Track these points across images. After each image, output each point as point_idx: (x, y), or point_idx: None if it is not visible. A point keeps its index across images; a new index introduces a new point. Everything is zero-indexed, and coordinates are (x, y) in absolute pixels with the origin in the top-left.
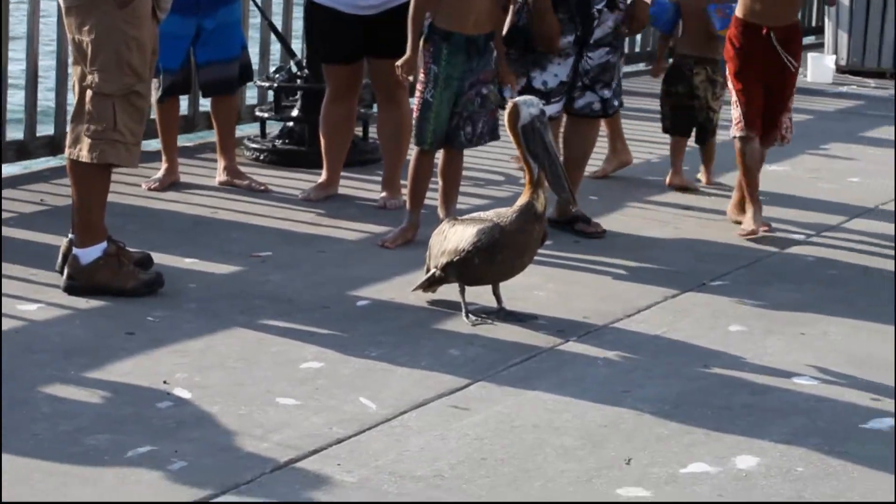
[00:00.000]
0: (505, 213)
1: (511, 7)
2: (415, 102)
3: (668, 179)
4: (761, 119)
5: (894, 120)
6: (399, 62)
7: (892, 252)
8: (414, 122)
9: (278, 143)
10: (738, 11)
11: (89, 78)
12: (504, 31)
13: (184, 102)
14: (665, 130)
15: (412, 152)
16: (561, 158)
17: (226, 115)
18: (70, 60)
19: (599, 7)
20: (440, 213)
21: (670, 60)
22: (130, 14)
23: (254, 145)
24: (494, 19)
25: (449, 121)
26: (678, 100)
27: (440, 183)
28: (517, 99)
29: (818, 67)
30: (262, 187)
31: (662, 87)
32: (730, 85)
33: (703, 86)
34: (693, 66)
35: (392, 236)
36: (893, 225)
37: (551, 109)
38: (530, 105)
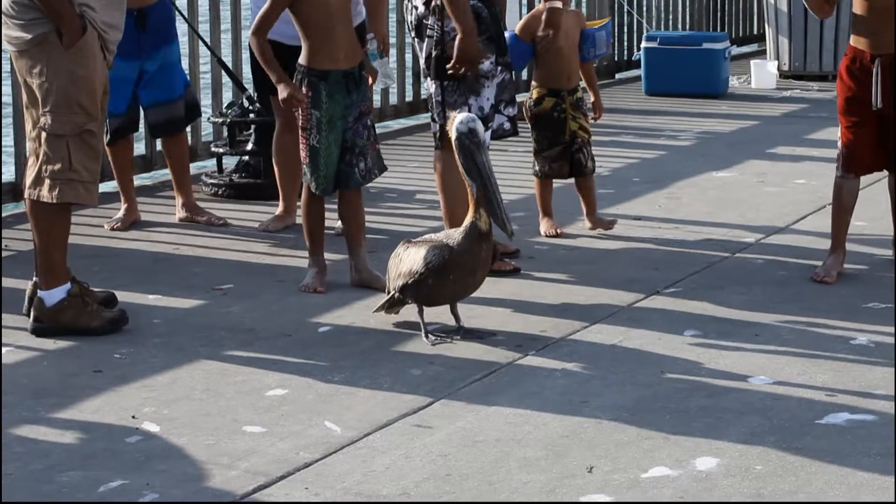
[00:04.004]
0: (453, 234)
1: (426, 39)
2: (301, 148)
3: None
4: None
5: None
6: (283, 97)
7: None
8: (304, 167)
9: (235, 177)
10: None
11: (42, 120)
12: (430, 69)
13: (141, 143)
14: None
15: (303, 196)
16: None
17: (178, 154)
18: (24, 104)
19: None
20: (350, 258)
21: None
22: (78, 54)
23: (211, 181)
24: (359, 48)
25: (340, 160)
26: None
27: (345, 227)
28: (457, 114)
29: (761, 74)
30: (221, 221)
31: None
32: None
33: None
34: None
35: (307, 284)
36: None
37: (490, 135)
38: (461, 122)
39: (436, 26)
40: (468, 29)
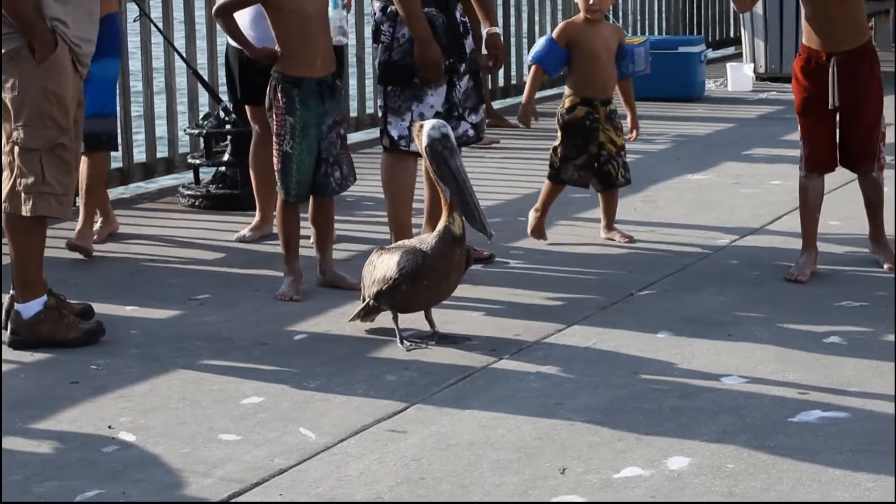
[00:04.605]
0: (426, 239)
1: (380, 45)
2: (274, 154)
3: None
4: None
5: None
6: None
7: None
8: (276, 174)
9: (212, 188)
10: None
11: (15, 134)
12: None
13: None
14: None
15: (278, 204)
16: None
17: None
18: None
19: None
20: (316, 260)
21: None
22: (50, 69)
23: (188, 192)
24: (334, 58)
25: (316, 169)
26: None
27: (313, 231)
28: (425, 122)
29: (737, 76)
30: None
31: None
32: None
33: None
34: None
35: (283, 293)
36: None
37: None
38: (433, 127)
39: (388, 32)
40: (422, 36)
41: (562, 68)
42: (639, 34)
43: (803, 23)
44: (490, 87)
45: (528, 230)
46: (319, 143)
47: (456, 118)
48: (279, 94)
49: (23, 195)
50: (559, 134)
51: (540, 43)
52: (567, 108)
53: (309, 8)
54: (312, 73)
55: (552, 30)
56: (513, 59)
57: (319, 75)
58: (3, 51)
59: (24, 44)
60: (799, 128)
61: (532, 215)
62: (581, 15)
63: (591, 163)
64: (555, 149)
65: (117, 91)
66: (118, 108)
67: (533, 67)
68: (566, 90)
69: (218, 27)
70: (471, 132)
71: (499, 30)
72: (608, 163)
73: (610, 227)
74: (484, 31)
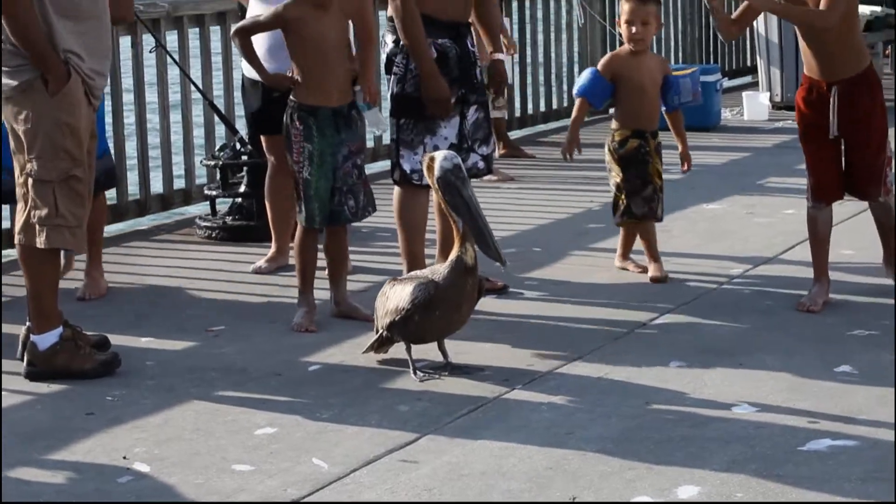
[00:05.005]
0: (438, 270)
1: (392, 76)
2: (295, 182)
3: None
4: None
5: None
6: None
7: None
8: (298, 202)
9: (228, 219)
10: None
11: (28, 166)
12: (391, 104)
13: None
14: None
15: (297, 232)
16: None
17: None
18: (11, 150)
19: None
20: (331, 291)
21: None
22: (63, 101)
23: (205, 224)
24: (350, 88)
25: (330, 199)
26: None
27: (328, 261)
28: (435, 153)
29: (753, 105)
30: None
31: None
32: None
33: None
34: None
35: (298, 324)
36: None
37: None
38: (444, 159)
39: (401, 64)
40: (427, 70)
41: (607, 101)
42: (688, 63)
43: (803, 52)
44: (507, 117)
45: (652, 281)
46: (335, 172)
47: (465, 150)
48: (296, 122)
49: (37, 227)
50: (615, 170)
51: (584, 76)
52: (619, 141)
53: (329, 36)
54: (329, 103)
55: (567, 59)
56: (528, 89)
57: (336, 105)
58: (16, 83)
59: (38, 76)
60: (805, 157)
61: (651, 269)
62: (625, 46)
63: (656, 192)
64: (617, 186)
65: (107, 127)
66: (110, 147)
67: (578, 101)
68: (613, 124)
69: (234, 56)
70: (481, 164)
71: (503, 56)
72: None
73: (626, 256)
74: (488, 58)
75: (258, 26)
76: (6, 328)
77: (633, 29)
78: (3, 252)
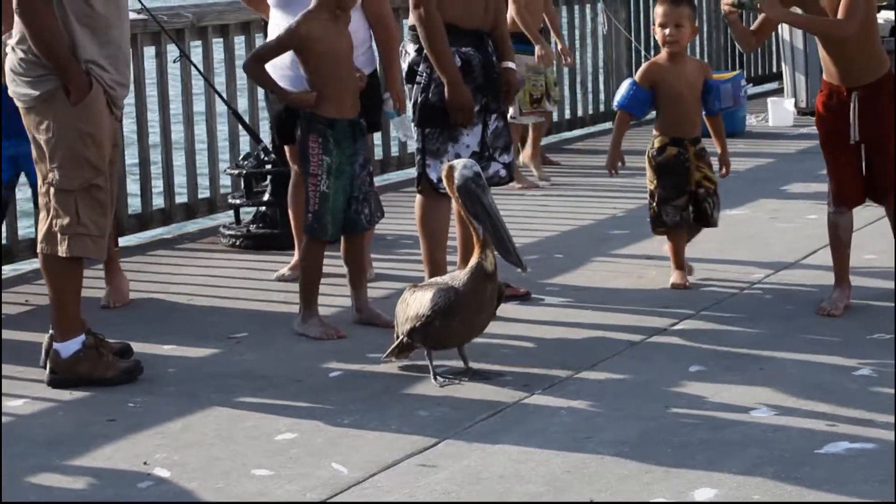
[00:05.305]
0: (458, 276)
1: (415, 85)
2: (308, 195)
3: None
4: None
5: None
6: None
7: None
8: (310, 215)
9: (252, 227)
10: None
11: (50, 175)
12: (415, 115)
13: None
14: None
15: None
16: None
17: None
18: (34, 159)
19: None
20: (352, 300)
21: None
22: (84, 111)
23: (229, 232)
24: (358, 99)
25: (347, 208)
26: None
27: (347, 270)
28: (454, 162)
29: (778, 111)
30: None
31: None
32: None
33: None
34: None
35: (324, 331)
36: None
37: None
38: (464, 167)
39: (425, 73)
40: (452, 79)
41: (649, 110)
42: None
43: (822, 58)
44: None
45: (673, 287)
46: (353, 182)
47: (487, 158)
48: (314, 135)
49: (59, 236)
50: (651, 177)
51: (623, 87)
52: (657, 148)
53: (341, 47)
54: (345, 115)
55: (593, 67)
56: None
57: (351, 116)
58: (38, 93)
59: (59, 85)
60: (826, 163)
61: (674, 276)
62: (663, 53)
63: (689, 203)
64: (651, 193)
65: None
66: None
67: (619, 113)
68: (654, 131)
69: None
70: (503, 172)
71: (513, 65)
72: (706, 200)
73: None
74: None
75: (270, 52)
76: (30, 336)
77: (668, 31)
78: (25, 262)
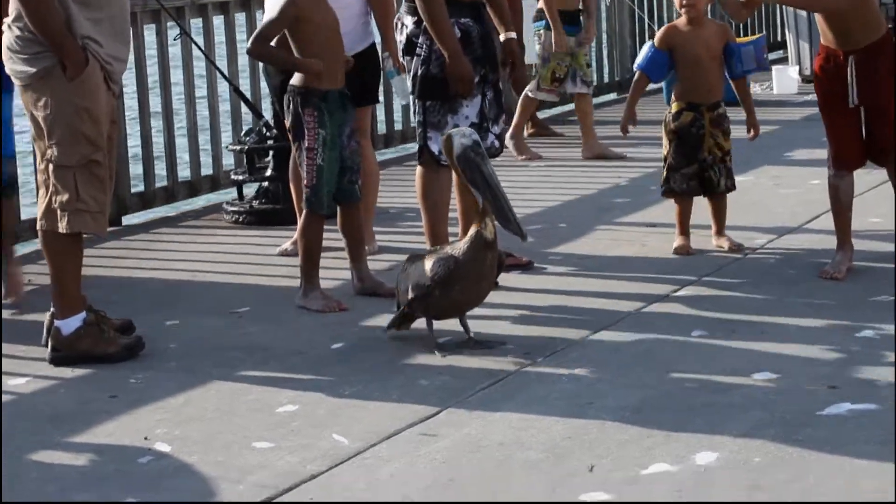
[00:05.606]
0: (458, 245)
1: (415, 58)
2: (305, 170)
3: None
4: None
5: None
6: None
7: None
8: (308, 189)
9: (255, 203)
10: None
11: (48, 152)
12: (415, 87)
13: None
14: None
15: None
16: None
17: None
18: (31, 136)
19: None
20: (352, 273)
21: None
22: (81, 86)
23: (232, 208)
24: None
25: (340, 178)
26: None
27: (345, 241)
28: (452, 130)
29: (783, 79)
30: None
31: None
32: None
33: None
34: None
35: (326, 304)
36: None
37: None
38: (463, 136)
39: (424, 45)
40: (452, 50)
41: (668, 74)
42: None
43: (818, 22)
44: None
45: (675, 252)
46: (342, 152)
47: (484, 129)
48: (309, 109)
49: (58, 213)
50: (665, 142)
51: (643, 50)
52: (674, 113)
53: (329, 20)
54: (336, 85)
55: (595, 38)
56: None
57: (341, 86)
58: (34, 69)
59: (56, 62)
60: (825, 126)
61: (677, 241)
62: (682, 17)
63: (701, 172)
64: (664, 158)
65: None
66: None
67: (637, 74)
68: (672, 96)
69: None
70: (496, 143)
71: (514, 35)
72: (710, 168)
73: (720, 232)
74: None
75: (272, 28)
76: (32, 316)
77: None
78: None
